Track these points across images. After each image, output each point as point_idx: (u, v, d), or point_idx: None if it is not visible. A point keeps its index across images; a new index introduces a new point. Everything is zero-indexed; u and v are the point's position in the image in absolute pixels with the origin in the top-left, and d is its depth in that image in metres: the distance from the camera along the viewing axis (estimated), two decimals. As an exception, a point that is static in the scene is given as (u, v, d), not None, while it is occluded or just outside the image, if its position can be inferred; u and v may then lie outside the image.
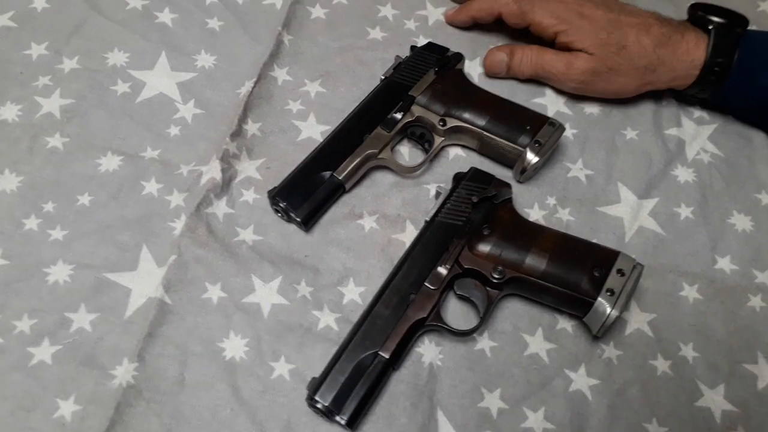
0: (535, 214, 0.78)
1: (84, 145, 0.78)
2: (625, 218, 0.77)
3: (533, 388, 0.66)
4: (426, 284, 0.65)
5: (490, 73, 0.85)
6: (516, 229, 0.69)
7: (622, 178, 0.80)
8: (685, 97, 0.86)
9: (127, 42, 0.87)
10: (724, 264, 0.75)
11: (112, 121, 0.80)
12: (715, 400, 0.66)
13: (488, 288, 0.68)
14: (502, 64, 0.83)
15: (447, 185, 0.76)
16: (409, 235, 0.73)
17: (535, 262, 0.67)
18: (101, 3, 0.89)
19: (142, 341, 0.65)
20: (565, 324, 0.72)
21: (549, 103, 0.88)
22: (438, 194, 0.73)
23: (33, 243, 0.71)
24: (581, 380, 0.67)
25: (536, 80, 0.88)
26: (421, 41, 0.91)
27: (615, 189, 0.79)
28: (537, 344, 0.68)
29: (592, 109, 0.87)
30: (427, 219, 0.70)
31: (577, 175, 0.82)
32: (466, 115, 0.79)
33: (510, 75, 0.84)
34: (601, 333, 0.68)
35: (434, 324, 0.65)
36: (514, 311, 0.72)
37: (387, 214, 0.74)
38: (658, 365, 0.68)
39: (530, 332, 0.69)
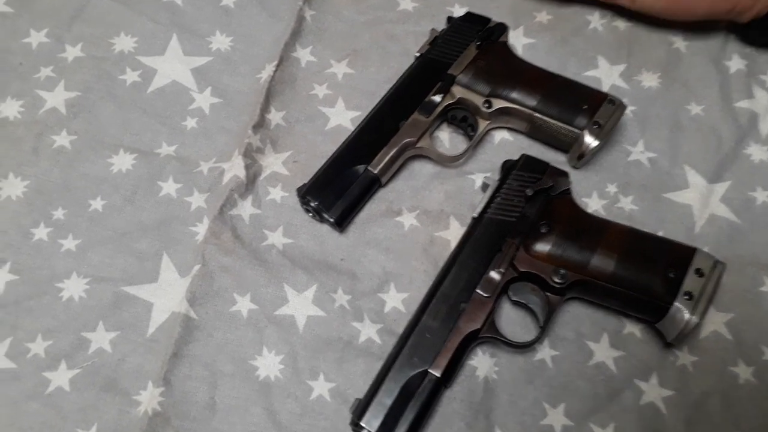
0: (594, 204, 0.70)
1: (93, 143, 0.71)
2: (695, 206, 0.69)
3: (601, 402, 0.60)
4: (478, 291, 0.59)
5: None
6: (578, 225, 0.62)
7: (688, 160, 0.72)
8: (751, 35, 0.76)
9: (134, 25, 0.79)
10: (810, 253, 0.65)
11: (122, 114, 0.74)
12: (808, 410, 0.58)
13: (548, 293, 0.61)
14: None
15: (494, 175, 0.68)
16: (453, 232, 0.67)
17: (602, 263, 0.59)
18: (104, -17, 0.81)
19: (168, 362, 0.59)
20: (633, 328, 0.64)
21: (603, 76, 0.78)
22: (485, 186, 0.67)
23: (44, 255, 0.65)
24: (653, 391, 0.60)
25: (586, 52, 0.79)
26: (458, 11, 0.82)
27: (681, 173, 0.71)
28: (603, 352, 0.62)
29: (650, 81, 0.78)
30: (475, 215, 0.64)
31: (638, 159, 0.73)
32: (514, 95, 0.70)
33: None
34: (677, 341, 0.60)
35: (489, 336, 0.59)
36: (575, 315, 0.64)
37: (428, 210, 0.68)
38: (740, 372, 0.61)
39: (595, 339, 0.62)
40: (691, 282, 0.58)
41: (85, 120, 0.72)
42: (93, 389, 0.58)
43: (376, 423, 0.55)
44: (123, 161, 0.70)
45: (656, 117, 0.76)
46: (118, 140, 0.71)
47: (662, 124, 0.75)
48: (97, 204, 0.67)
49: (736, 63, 0.79)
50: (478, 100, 0.71)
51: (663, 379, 0.61)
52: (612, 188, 0.71)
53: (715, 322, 0.64)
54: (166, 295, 0.63)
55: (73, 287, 0.63)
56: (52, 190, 0.68)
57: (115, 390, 0.58)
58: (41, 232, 0.65)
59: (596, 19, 0.82)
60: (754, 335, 0.64)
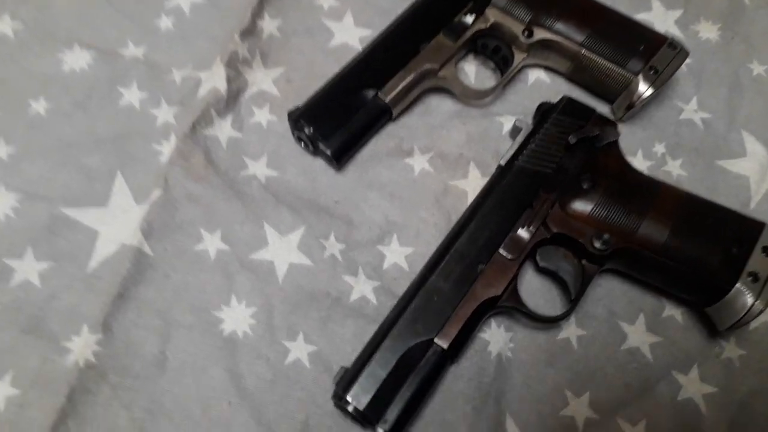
0: (638, 165, 0.61)
1: (42, 34, 0.60)
2: (752, 177, 0.61)
3: (632, 394, 0.52)
4: (501, 251, 0.50)
5: None
6: (627, 184, 0.53)
7: (747, 125, 0.63)
8: None
9: None
10: None
11: (82, 3, 0.60)
12: None
13: (584, 261, 0.52)
14: None
15: (528, 118, 0.58)
16: (472, 182, 0.59)
17: (653, 230, 0.51)
18: None
19: (110, 304, 0.49)
20: (674, 311, 0.55)
21: (656, 21, 0.68)
22: (516, 131, 0.58)
23: (-35, 160, 0.52)
24: (693, 386, 0.53)
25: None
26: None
27: (739, 138, 0.62)
28: (638, 336, 0.54)
29: (709, 33, 0.68)
30: (503, 163, 0.55)
31: (691, 118, 0.63)
32: (560, 26, 0.59)
33: None
34: (732, 330, 0.51)
35: (509, 306, 0.50)
36: (609, 291, 0.56)
37: (445, 153, 0.59)
38: (794, 372, 0.52)
39: (629, 319, 0.55)
40: (757, 261, 0.50)
41: (35, 5, 0.59)
42: (12, 329, 0.48)
43: (365, 399, 0.45)
44: (77, 59, 0.58)
45: (713, 73, 0.66)
46: (73, 34, 0.60)
47: (720, 82, 0.66)
48: (40, 106, 0.56)
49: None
50: (517, 28, 0.59)
51: (705, 373, 0.53)
52: (660, 148, 0.62)
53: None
54: (116, 222, 0.52)
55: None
56: (-15, 84, 0.55)
57: (40, 333, 0.48)
58: (-35, 133, 0.53)
59: (654, -46, 0.71)
60: (812, 331, 0.54)
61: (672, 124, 0.63)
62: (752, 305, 0.48)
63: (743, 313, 0.48)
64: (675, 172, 0.61)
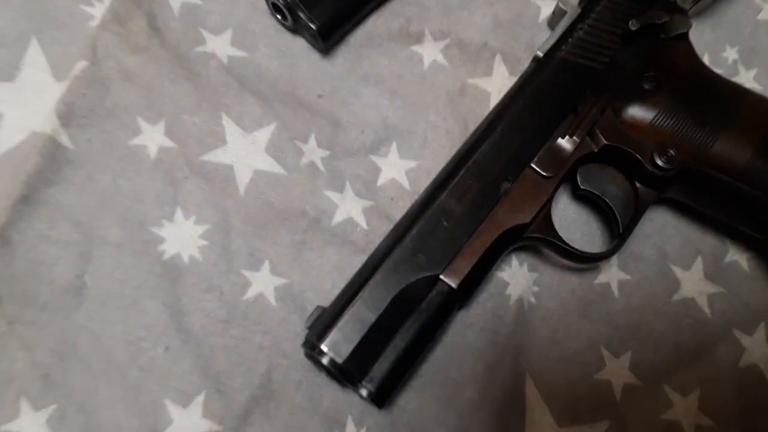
0: None
1: None
2: None
3: (684, 357, 0.43)
4: (533, 167, 0.40)
5: None
6: (701, 88, 0.43)
7: None
8: None
9: None
10: None
11: None
12: None
13: (639, 184, 0.41)
14: None
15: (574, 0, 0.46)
16: (497, 81, 0.48)
17: (731, 148, 0.40)
18: None
19: (11, 209, 0.36)
20: (738, 255, 0.46)
21: None
22: (560, 14, 0.45)
23: None
24: (759, 350, 0.44)
25: None
26: None
27: None
28: (693, 284, 0.45)
29: None
30: (540, 54, 0.43)
31: None
32: None
33: None
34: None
35: (539, 237, 0.40)
36: (661, 226, 0.46)
37: (464, 41, 0.48)
38: None
39: (684, 264, 0.45)
40: None
41: None
42: None
43: (346, 349, 0.35)
44: None
45: None
46: None
47: None
48: (-74, -58, 0.40)
49: None
50: None
51: None
52: (731, 53, 0.51)
53: None
54: (25, 104, 0.40)
55: None
56: None
57: None
58: None
59: None
60: None
61: (748, 25, 0.53)
62: None
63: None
64: (747, 83, 0.51)
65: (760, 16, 0.51)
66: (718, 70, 0.50)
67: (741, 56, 0.50)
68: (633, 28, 0.42)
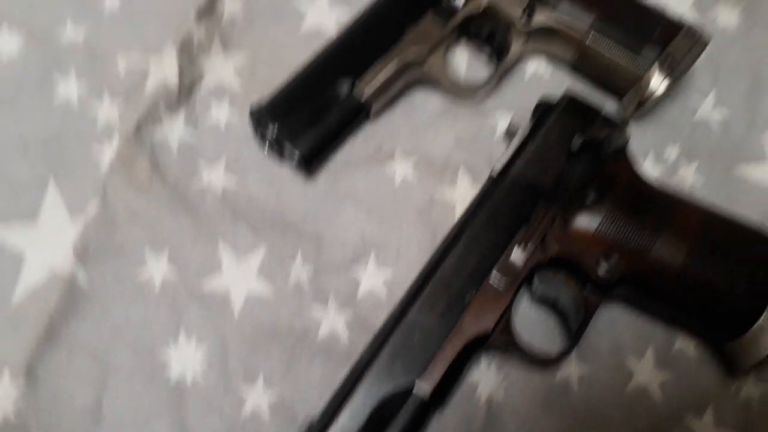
0: (648, 171, 0.55)
1: None
2: None
3: None
4: (492, 278, 0.45)
5: None
6: (639, 198, 0.47)
7: None
8: None
9: None
10: None
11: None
12: None
13: (587, 288, 0.46)
14: None
15: (525, 118, 0.51)
16: (462, 192, 0.53)
17: (668, 252, 0.45)
18: None
19: (36, 346, 0.40)
20: (686, 342, 0.50)
21: (669, 2, 0.60)
22: (511, 133, 0.51)
23: None
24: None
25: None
26: None
27: (760, 142, 0.56)
28: (646, 373, 0.49)
29: (728, 17, 0.61)
30: (495, 173, 0.48)
31: (707, 117, 0.58)
32: (565, 6, 0.52)
33: None
34: (755, 372, 0.45)
35: (501, 343, 0.44)
36: (613, 321, 0.50)
37: (430, 158, 0.53)
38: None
39: (637, 354, 0.49)
40: None
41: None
42: None
43: None
44: (6, 44, 0.52)
45: (733, 65, 0.60)
46: (1, 11, 0.50)
47: (740, 76, 0.59)
48: (-42, 102, 0.47)
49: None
50: (515, 10, 0.52)
51: (721, 416, 0.48)
52: (673, 151, 0.56)
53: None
54: (46, 242, 0.46)
55: None
56: None
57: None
58: None
59: (669, -75, 0.62)
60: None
61: (686, 123, 0.57)
62: (784, 343, 0.43)
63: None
64: (689, 179, 0.55)
65: (697, 115, 0.56)
66: (661, 167, 0.56)
67: (682, 153, 0.55)
68: (575, 148, 0.47)
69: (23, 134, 0.49)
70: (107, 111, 0.50)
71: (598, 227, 0.46)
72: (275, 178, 0.50)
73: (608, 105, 0.56)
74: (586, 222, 0.46)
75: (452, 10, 0.51)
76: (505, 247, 0.45)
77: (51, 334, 0.42)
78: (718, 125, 0.56)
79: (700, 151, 0.56)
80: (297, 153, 0.48)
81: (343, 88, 0.49)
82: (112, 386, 0.42)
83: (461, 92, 0.53)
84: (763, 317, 0.43)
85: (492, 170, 0.49)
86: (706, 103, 0.57)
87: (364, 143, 0.52)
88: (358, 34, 0.51)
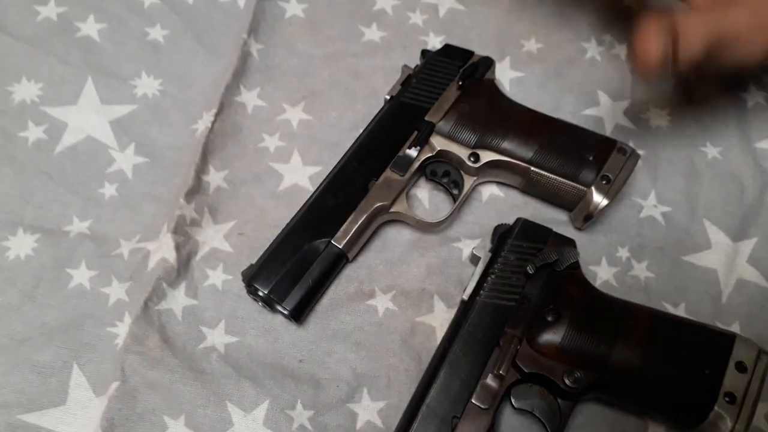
0: (604, 273, 0.59)
1: None
2: (719, 270, 0.60)
3: None
4: (473, 401, 0.49)
5: (647, 72, 0.51)
6: (592, 310, 0.52)
7: (708, 214, 0.63)
8: None
9: (39, 67, 0.65)
10: None
11: (22, 182, 0.60)
12: None
13: (559, 398, 0.50)
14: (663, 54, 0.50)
15: (485, 243, 0.57)
16: (438, 316, 0.57)
17: (624, 358, 0.50)
18: (1, 15, 0.66)
19: None
20: (658, 427, 0.54)
21: (605, 115, 0.68)
22: (475, 259, 0.56)
23: None
24: None
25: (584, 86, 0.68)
26: (433, 41, 0.70)
27: (702, 230, 0.62)
28: None
29: (659, 120, 0.68)
30: (465, 298, 0.54)
31: (651, 215, 0.62)
32: (506, 145, 0.58)
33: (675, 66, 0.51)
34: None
35: None
36: (589, 417, 0.54)
37: (407, 290, 0.58)
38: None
39: None
40: (732, 380, 0.49)
41: (-26, 191, 0.57)
42: None
43: None
44: (22, 244, 0.56)
45: (668, 163, 0.66)
46: (16, 217, 0.58)
47: (676, 172, 0.65)
48: (-13, 303, 0.53)
49: (753, 96, 0.68)
50: (463, 153, 0.59)
51: None
52: (623, 253, 0.60)
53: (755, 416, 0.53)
54: (76, 422, 0.50)
55: (-49, 420, 0.48)
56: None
57: None
58: None
59: (593, 47, 0.71)
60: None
61: (633, 224, 0.62)
62: (733, 428, 0.47)
63: (725, 439, 0.47)
64: (642, 275, 0.60)
65: (641, 215, 0.61)
66: (615, 269, 0.59)
67: (632, 253, 0.60)
68: (530, 271, 0.53)
69: (44, 323, 0.52)
70: (116, 293, 0.55)
71: (560, 344, 0.50)
72: (270, 328, 0.54)
73: (560, 217, 0.62)
74: (549, 340, 0.50)
75: (408, 161, 0.57)
76: (481, 372, 0.49)
77: None
78: (661, 221, 0.61)
79: (648, 248, 0.60)
80: (286, 311, 0.52)
81: (321, 244, 0.54)
82: None
83: (427, 226, 0.58)
84: (715, 407, 0.47)
85: (462, 296, 0.53)
86: (649, 202, 0.62)
87: (347, 285, 0.57)
88: (328, 195, 0.56)
